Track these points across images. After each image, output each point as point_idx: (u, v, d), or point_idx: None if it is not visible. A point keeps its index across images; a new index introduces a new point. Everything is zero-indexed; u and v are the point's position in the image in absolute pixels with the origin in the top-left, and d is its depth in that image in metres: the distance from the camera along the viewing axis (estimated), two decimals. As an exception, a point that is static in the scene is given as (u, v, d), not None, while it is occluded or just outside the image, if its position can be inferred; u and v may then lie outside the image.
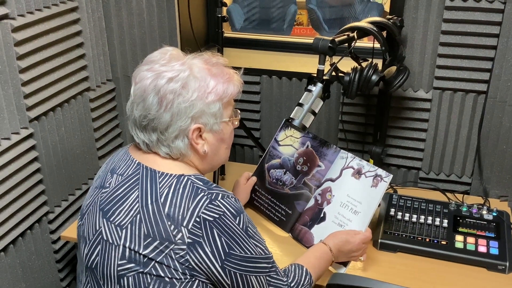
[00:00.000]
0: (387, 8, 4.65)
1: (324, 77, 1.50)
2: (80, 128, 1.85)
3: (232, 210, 1.14)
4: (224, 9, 1.76)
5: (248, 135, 1.99)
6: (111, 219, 1.18)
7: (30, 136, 1.62)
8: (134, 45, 2.01)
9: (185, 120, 1.16)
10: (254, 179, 1.81)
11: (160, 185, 1.16)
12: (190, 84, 1.16)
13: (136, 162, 1.22)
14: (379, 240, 1.62)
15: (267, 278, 1.22)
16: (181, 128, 1.17)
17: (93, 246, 1.21)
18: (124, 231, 1.15)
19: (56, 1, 1.66)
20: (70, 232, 1.74)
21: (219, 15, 1.75)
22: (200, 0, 2.17)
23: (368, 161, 1.82)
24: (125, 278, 1.14)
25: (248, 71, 1.97)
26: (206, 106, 1.18)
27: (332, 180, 1.66)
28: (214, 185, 1.18)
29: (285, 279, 1.28)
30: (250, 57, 2.17)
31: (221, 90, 1.20)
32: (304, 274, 1.34)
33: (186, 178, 1.16)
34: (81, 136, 1.86)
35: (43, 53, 1.63)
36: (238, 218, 1.14)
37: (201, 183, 1.16)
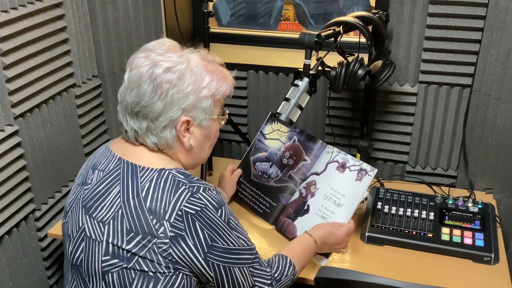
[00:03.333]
0: (372, 2, 4.67)
1: (311, 72, 1.50)
2: (66, 124, 1.84)
3: (214, 203, 1.15)
4: (210, 4, 1.76)
5: (235, 130, 1.99)
6: (93, 215, 1.18)
7: (15, 133, 1.61)
8: (120, 41, 1.99)
9: (176, 111, 1.17)
10: (239, 171, 1.82)
11: (141, 180, 1.16)
12: (186, 76, 1.17)
13: (117, 157, 1.22)
14: (367, 234, 1.63)
15: (250, 269, 1.23)
16: (171, 118, 1.18)
17: (77, 243, 1.21)
18: (106, 227, 1.15)
19: (40, -4, 1.64)
20: (57, 229, 1.73)
21: (205, 10, 1.74)
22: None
23: (355, 155, 1.84)
24: (110, 274, 1.14)
25: (235, 67, 1.98)
26: (198, 100, 1.19)
27: (317, 174, 1.67)
28: (195, 178, 1.18)
29: (269, 270, 1.29)
30: (236, 52, 2.16)
31: (215, 87, 1.21)
32: (288, 264, 1.35)
33: (167, 172, 1.17)
34: (67, 133, 1.84)
35: (28, 49, 1.62)
36: (220, 210, 1.15)
37: (182, 177, 1.17)
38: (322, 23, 4.66)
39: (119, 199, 1.16)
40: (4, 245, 1.62)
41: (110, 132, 2.13)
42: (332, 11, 4.62)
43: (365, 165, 1.57)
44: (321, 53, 1.57)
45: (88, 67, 1.94)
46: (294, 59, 2.04)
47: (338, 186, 1.59)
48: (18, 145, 1.62)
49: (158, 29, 2.00)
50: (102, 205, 1.18)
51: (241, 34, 2.25)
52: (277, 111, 1.51)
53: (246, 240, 1.22)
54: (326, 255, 1.53)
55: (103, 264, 1.15)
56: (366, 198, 1.77)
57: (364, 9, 4.66)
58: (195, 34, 2.28)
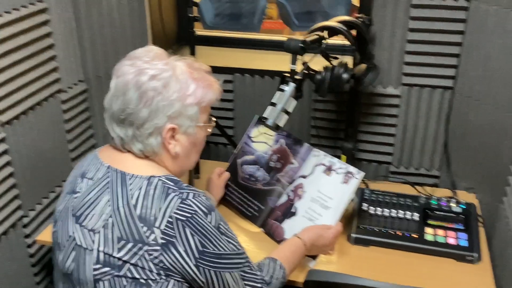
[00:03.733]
0: (356, 1, 4.72)
1: (297, 77, 1.52)
2: (53, 130, 1.84)
3: (204, 209, 1.16)
4: (195, 8, 1.77)
5: (222, 133, 2.01)
6: (83, 224, 1.19)
7: (2, 140, 1.60)
8: (105, 45, 1.99)
9: (161, 118, 1.19)
10: (227, 174, 1.84)
11: (131, 187, 1.17)
12: (171, 84, 1.18)
13: (106, 166, 1.23)
14: (353, 235, 1.66)
15: (241, 273, 1.24)
16: (156, 125, 1.19)
17: (68, 252, 1.22)
18: (97, 235, 1.16)
19: (25, 2, 1.63)
20: (45, 236, 1.74)
21: (191, 15, 1.75)
22: (170, 0, 2.17)
23: (340, 156, 1.87)
24: (101, 282, 1.15)
25: (221, 70, 2.00)
26: (184, 108, 1.20)
27: (304, 177, 1.69)
28: (185, 184, 1.20)
29: (259, 273, 1.31)
30: (222, 55, 2.18)
31: (200, 95, 1.23)
32: (278, 267, 1.37)
33: (156, 179, 1.18)
34: (53, 138, 1.84)
35: (13, 56, 1.61)
36: (209, 216, 1.17)
37: (172, 183, 1.18)
38: (306, 21, 4.71)
39: (109, 207, 1.17)
40: (-8, 252, 1.62)
41: (96, 136, 2.13)
42: (316, 10, 4.65)
43: (352, 168, 1.60)
44: (307, 57, 1.59)
45: (74, 72, 1.94)
46: (280, 61, 2.05)
47: (325, 189, 1.62)
48: (5, 152, 1.62)
49: (143, 33, 2.01)
50: (92, 213, 1.19)
51: (226, 37, 2.27)
52: (264, 116, 1.53)
53: (236, 244, 1.24)
54: (314, 257, 1.56)
55: (94, 272, 1.16)
56: (352, 200, 1.80)
57: (347, 7, 4.70)
58: (180, 37, 2.29)
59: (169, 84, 1.18)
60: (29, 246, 1.80)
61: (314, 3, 4.65)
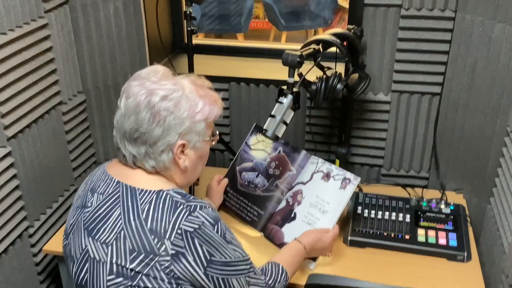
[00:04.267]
0: (341, 2, 4.78)
1: (294, 90, 1.59)
2: (55, 141, 1.88)
3: (210, 220, 1.22)
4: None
5: (220, 140, 2.06)
6: (96, 237, 1.24)
7: (8, 154, 1.65)
8: (103, 56, 2.04)
9: (173, 135, 1.25)
10: (226, 181, 1.90)
11: (141, 202, 1.23)
12: (182, 103, 1.24)
13: (116, 181, 1.28)
14: (349, 238, 1.74)
15: (247, 278, 1.31)
16: (169, 142, 1.25)
17: (81, 264, 1.27)
18: (109, 248, 1.22)
19: (27, 19, 1.67)
20: (51, 245, 1.79)
21: (189, 28, 1.81)
22: (165, 10, 2.22)
23: (334, 161, 1.94)
24: None
25: (217, 79, 2.06)
26: (193, 125, 1.27)
27: (303, 183, 1.76)
28: (192, 197, 1.26)
29: (263, 278, 1.38)
30: (216, 64, 2.24)
31: (207, 111, 1.29)
32: (280, 271, 1.44)
33: (165, 193, 1.24)
34: (56, 149, 1.89)
35: (17, 72, 1.65)
36: (216, 226, 1.23)
37: (180, 197, 1.24)
38: (292, 22, 4.76)
39: (120, 221, 1.22)
40: (1, 263, 1.66)
41: (95, 145, 2.17)
42: (302, 10, 4.71)
43: (349, 174, 1.68)
44: (302, 68, 1.66)
45: (73, 84, 1.98)
46: (274, 69, 2.12)
47: (323, 194, 1.70)
48: (11, 165, 1.66)
49: (140, 43, 2.06)
50: (104, 227, 1.24)
51: (221, 45, 2.32)
52: (264, 128, 1.59)
53: (241, 251, 1.30)
54: (314, 259, 1.64)
55: (108, 283, 1.21)
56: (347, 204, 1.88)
57: (333, 7, 4.77)
58: (175, 46, 2.34)
59: (180, 103, 1.24)
60: (35, 255, 1.85)
61: (300, 3, 4.70)
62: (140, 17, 2.01)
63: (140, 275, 1.19)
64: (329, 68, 1.80)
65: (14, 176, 1.69)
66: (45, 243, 1.82)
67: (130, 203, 1.23)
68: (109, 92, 2.10)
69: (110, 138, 2.16)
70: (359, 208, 1.84)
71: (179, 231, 1.19)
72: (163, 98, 1.23)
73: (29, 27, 1.68)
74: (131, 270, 1.19)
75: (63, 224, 1.93)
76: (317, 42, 1.67)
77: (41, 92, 1.79)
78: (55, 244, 1.78)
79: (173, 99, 1.24)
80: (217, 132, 1.40)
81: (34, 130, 1.77)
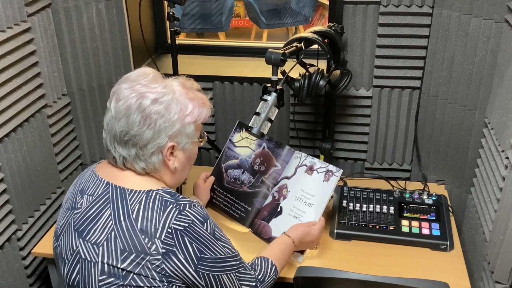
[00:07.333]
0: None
1: (278, 87, 1.62)
2: (41, 144, 1.89)
3: (200, 218, 1.25)
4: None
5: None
6: (86, 238, 1.26)
7: (-5, 159, 1.65)
8: (87, 59, 2.04)
9: (163, 138, 1.26)
10: (212, 178, 1.92)
11: (131, 202, 1.25)
12: (172, 106, 1.26)
13: (105, 182, 1.30)
14: (335, 231, 1.78)
15: (237, 274, 1.34)
16: (159, 145, 1.27)
17: (73, 265, 1.28)
18: (100, 248, 1.23)
19: (10, 24, 1.68)
20: (40, 248, 1.79)
21: (172, 29, 1.82)
22: (147, 11, 2.23)
23: (319, 156, 1.98)
24: None
25: (201, 78, 2.07)
26: (183, 127, 1.29)
27: (288, 178, 1.80)
28: (181, 196, 1.28)
29: (253, 273, 1.40)
30: (200, 63, 2.25)
31: (197, 113, 1.31)
32: (269, 266, 1.47)
33: (154, 193, 1.26)
34: (42, 152, 1.89)
35: (1, 76, 1.66)
36: (205, 224, 1.25)
37: (169, 196, 1.26)
38: (273, 19, 4.78)
39: (111, 222, 1.24)
40: (-10, 267, 1.67)
41: (81, 147, 2.18)
42: (282, 8, 4.73)
43: (331, 167, 1.71)
44: (286, 67, 1.69)
45: (58, 87, 1.99)
46: (257, 68, 2.15)
47: (308, 188, 1.73)
48: (-2, 170, 1.67)
49: (124, 45, 2.07)
50: (94, 228, 1.26)
51: (204, 45, 2.34)
52: (249, 125, 1.62)
53: (230, 248, 1.33)
54: (302, 252, 1.67)
55: (100, 283, 1.23)
56: (332, 196, 1.92)
57: (313, 4, 4.80)
58: (158, 47, 2.35)
59: (170, 106, 1.26)
60: (24, 258, 1.85)
61: (281, 1, 4.72)
62: (123, 19, 2.02)
63: (131, 274, 1.21)
64: (311, 65, 1.84)
65: (1, 180, 1.69)
66: (34, 246, 1.82)
67: (120, 204, 1.25)
68: (94, 94, 2.11)
69: (95, 139, 2.17)
70: (344, 201, 1.88)
71: (169, 230, 1.21)
72: (153, 101, 1.25)
73: (12, 31, 1.68)
74: (123, 269, 1.21)
75: (51, 227, 1.94)
76: (299, 40, 1.70)
77: (25, 95, 1.79)
78: (44, 247, 1.78)
79: (164, 102, 1.25)
80: (205, 134, 1.43)
81: (20, 134, 1.77)
